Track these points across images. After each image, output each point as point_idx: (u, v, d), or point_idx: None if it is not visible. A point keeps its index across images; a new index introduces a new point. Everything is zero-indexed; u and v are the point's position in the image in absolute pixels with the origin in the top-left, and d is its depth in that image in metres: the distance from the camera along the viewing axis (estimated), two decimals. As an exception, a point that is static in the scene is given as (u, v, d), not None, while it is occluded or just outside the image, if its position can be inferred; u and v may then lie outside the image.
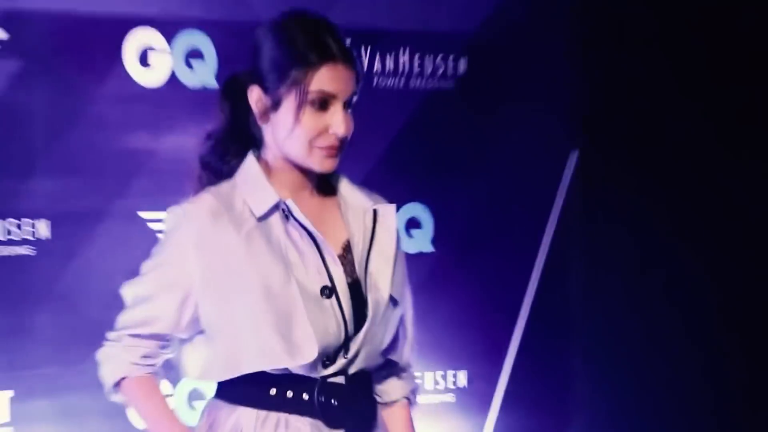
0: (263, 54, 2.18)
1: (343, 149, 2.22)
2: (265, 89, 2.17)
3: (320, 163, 2.20)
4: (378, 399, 2.36)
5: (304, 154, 2.20)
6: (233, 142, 2.28)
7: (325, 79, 2.14)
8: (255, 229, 2.21)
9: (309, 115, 2.16)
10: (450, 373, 3.87)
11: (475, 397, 3.89)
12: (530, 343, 3.94)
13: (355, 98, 2.19)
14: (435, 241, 3.75)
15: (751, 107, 4.85)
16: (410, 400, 2.43)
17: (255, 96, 2.18)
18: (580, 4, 4.05)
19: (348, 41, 2.18)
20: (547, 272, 3.92)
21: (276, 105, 2.17)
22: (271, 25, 2.19)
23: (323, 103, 2.16)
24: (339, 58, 2.15)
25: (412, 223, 3.75)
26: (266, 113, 2.20)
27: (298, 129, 2.16)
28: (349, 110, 2.20)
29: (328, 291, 2.20)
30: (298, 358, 2.17)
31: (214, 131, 2.27)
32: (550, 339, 3.98)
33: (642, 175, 4.45)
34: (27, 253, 3.29)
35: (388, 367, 2.36)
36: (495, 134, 3.85)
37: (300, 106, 2.15)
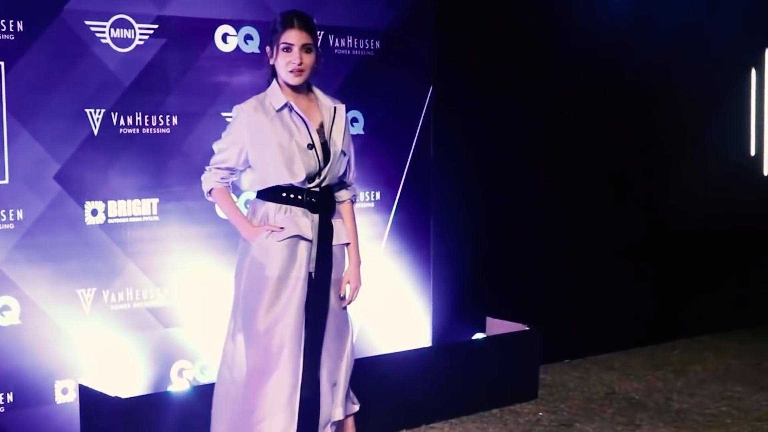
0: (270, 29, 3.75)
1: (305, 72, 3.67)
2: (270, 46, 3.73)
3: (292, 79, 3.69)
4: (336, 200, 3.86)
5: (284, 75, 3.69)
6: (274, 71, 3.77)
7: (286, 37, 3.66)
8: (275, 116, 3.68)
9: (282, 55, 3.69)
10: (372, 192, 5.56)
11: (383, 205, 5.62)
12: (408, 181, 5.69)
13: (310, 46, 3.67)
14: (364, 129, 5.49)
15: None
16: (352, 201, 3.95)
17: (267, 50, 3.75)
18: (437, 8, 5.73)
19: (315, 20, 3.79)
20: (418, 148, 5.73)
21: (272, 53, 3.71)
22: (278, 15, 3.78)
23: (288, 48, 3.68)
24: (295, 26, 3.64)
25: (354, 120, 5.42)
26: (269, 57, 3.74)
27: (279, 62, 3.70)
28: (311, 53, 3.67)
29: (311, 146, 3.71)
30: (296, 178, 3.67)
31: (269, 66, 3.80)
32: (417, 196, 5.75)
33: (477, 105, 6.13)
34: (165, 132, 4.80)
35: (341, 184, 3.88)
36: (390, 77, 5.56)
37: (278, 51, 3.69)
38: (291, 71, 3.69)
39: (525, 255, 6.38)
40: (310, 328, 3.75)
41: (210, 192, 3.86)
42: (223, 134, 3.82)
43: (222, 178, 3.83)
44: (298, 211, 3.75)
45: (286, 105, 3.74)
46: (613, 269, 6.83)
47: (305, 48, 3.69)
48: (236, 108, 3.80)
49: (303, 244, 3.72)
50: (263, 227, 3.73)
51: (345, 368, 3.87)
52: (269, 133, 3.70)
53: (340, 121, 3.84)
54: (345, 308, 3.92)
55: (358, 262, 3.94)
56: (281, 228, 3.71)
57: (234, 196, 3.95)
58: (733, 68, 7.53)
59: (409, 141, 5.70)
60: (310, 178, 3.73)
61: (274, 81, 3.80)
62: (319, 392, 3.81)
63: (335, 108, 3.87)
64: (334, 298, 3.85)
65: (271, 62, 3.75)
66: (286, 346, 3.70)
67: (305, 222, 3.74)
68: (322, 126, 3.81)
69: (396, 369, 5.02)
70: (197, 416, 4.18)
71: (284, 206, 3.75)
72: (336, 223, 3.86)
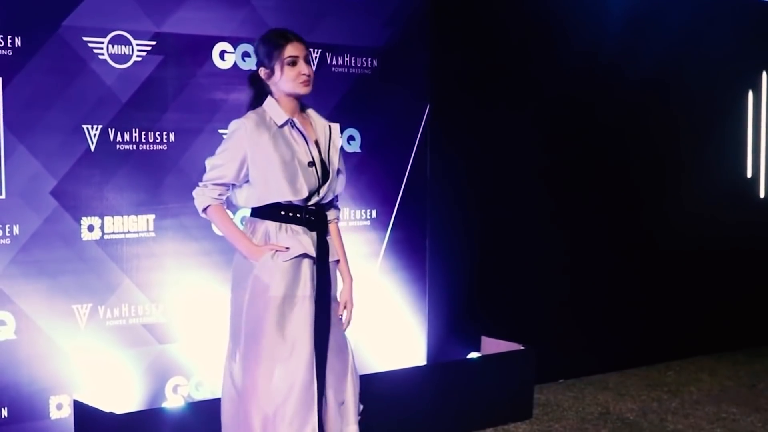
0: (260, 51, 3.75)
1: (311, 82, 3.72)
2: (265, 66, 3.74)
3: (302, 89, 3.71)
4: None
5: (293, 87, 3.70)
6: (259, 95, 3.80)
7: (290, 50, 3.69)
8: (276, 131, 3.67)
9: (289, 69, 3.70)
10: (368, 210, 5.60)
11: (379, 223, 5.66)
12: (405, 199, 5.72)
13: (310, 57, 3.74)
14: (361, 147, 5.52)
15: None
16: (337, 220, 3.97)
17: (262, 71, 3.74)
18: (434, 26, 5.80)
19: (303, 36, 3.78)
20: (415, 165, 5.76)
21: (273, 71, 3.70)
22: (261, 37, 3.79)
23: (294, 62, 3.71)
24: (294, 40, 3.70)
25: (350, 138, 5.46)
26: (268, 77, 3.74)
27: (286, 77, 3.71)
28: (311, 64, 3.73)
29: (312, 163, 3.71)
30: (299, 195, 3.66)
31: (252, 92, 3.83)
32: (413, 214, 5.77)
33: (474, 123, 6.18)
34: (162, 148, 4.85)
35: (330, 203, 3.84)
36: (387, 95, 5.59)
37: (283, 66, 3.71)
38: (302, 82, 3.71)
39: (521, 274, 6.38)
40: (317, 346, 3.72)
41: (205, 210, 3.79)
42: (219, 150, 3.76)
43: (219, 195, 3.77)
44: (298, 229, 3.73)
45: (288, 121, 3.74)
46: (609, 289, 6.84)
47: (306, 59, 3.74)
48: (234, 122, 3.75)
49: (306, 263, 3.70)
50: (267, 247, 3.68)
51: (351, 386, 3.84)
52: (272, 150, 3.68)
53: (336, 139, 3.86)
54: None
55: (351, 280, 3.95)
56: (287, 248, 3.67)
57: (230, 213, 3.91)
58: (730, 90, 7.56)
59: (406, 159, 5.72)
60: (309, 197, 3.73)
61: (270, 97, 3.79)
62: (324, 411, 3.77)
63: (330, 126, 3.87)
64: (333, 315, 3.83)
65: (272, 80, 3.75)
66: (301, 367, 3.65)
67: (307, 240, 3.72)
68: (317, 144, 3.82)
69: (391, 387, 5.01)
70: (192, 433, 4.16)
71: (284, 225, 3.73)
72: (330, 240, 3.86)
